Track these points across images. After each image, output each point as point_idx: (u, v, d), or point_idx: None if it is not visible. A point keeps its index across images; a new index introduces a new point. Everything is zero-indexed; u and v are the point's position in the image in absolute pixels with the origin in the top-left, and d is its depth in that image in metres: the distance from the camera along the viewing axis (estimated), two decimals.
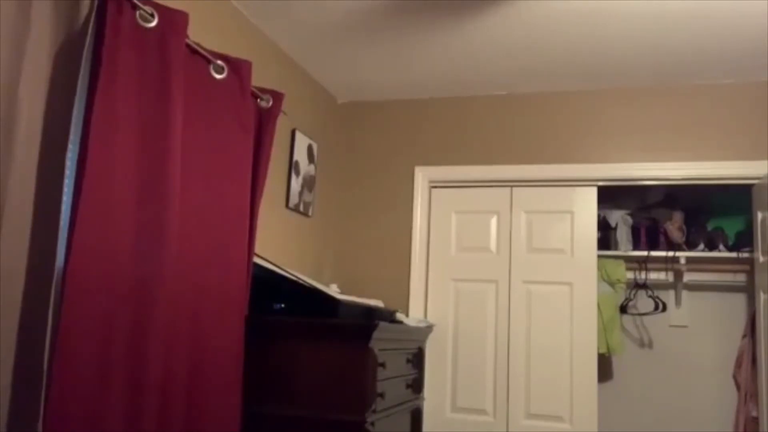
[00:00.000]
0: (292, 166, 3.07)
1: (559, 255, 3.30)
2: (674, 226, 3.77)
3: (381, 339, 2.37)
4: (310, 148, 3.24)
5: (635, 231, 3.83)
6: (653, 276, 3.81)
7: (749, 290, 3.67)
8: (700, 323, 3.86)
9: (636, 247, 3.79)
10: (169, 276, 1.88)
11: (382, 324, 2.32)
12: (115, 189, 1.74)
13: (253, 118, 2.43)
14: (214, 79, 2.21)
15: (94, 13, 1.70)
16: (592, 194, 3.32)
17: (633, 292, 3.83)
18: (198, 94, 2.12)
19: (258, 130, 2.47)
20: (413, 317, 3.27)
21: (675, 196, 3.85)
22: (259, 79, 2.49)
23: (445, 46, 2.92)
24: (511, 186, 3.42)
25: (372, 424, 2.26)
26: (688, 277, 3.78)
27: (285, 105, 2.61)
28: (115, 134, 1.75)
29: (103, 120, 1.70)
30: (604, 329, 3.56)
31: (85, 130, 1.68)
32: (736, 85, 3.17)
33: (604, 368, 3.85)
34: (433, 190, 3.55)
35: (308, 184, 3.22)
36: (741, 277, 3.72)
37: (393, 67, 3.19)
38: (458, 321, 3.38)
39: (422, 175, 3.52)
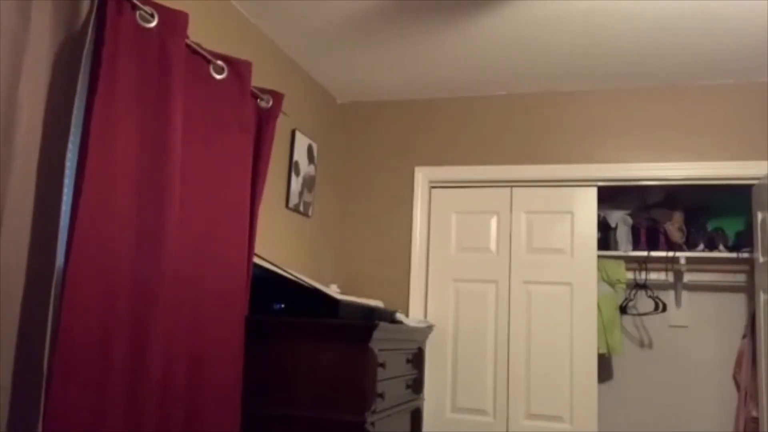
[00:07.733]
0: (292, 166, 3.07)
1: (559, 255, 3.30)
2: (674, 226, 3.77)
3: (381, 339, 2.37)
4: (310, 149, 3.24)
5: (635, 231, 3.83)
6: (653, 276, 3.81)
7: (749, 290, 3.66)
8: (700, 323, 3.86)
9: (636, 248, 3.79)
10: (169, 276, 1.89)
11: (382, 324, 2.32)
12: (115, 189, 1.74)
13: (253, 119, 2.43)
14: (214, 79, 2.21)
15: (94, 14, 1.70)
16: (591, 194, 3.32)
17: (633, 292, 3.84)
18: (198, 94, 2.13)
19: (258, 131, 2.47)
20: (413, 317, 3.27)
21: (675, 196, 3.85)
22: (259, 79, 2.49)
23: (445, 46, 2.92)
24: (511, 186, 3.42)
25: (372, 424, 2.26)
26: (688, 278, 3.78)
27: (285, 105, 2.61)
28: (115, 135, 1.75)
29: (103, 120, 1.71)
30: (604, 329, 3.56)
31: (85, 131, 1.68)
32: (736, 85, 3.17)
33: (604, 368, 3.85)
34: (433, 190, 3.54)
35: (308, 184, 3.22)
36: (741, 277, 3.72)
37: (393, 67, 3.19)
38: (458, 321, 3.38)
39: (422, 175, 3.52)
